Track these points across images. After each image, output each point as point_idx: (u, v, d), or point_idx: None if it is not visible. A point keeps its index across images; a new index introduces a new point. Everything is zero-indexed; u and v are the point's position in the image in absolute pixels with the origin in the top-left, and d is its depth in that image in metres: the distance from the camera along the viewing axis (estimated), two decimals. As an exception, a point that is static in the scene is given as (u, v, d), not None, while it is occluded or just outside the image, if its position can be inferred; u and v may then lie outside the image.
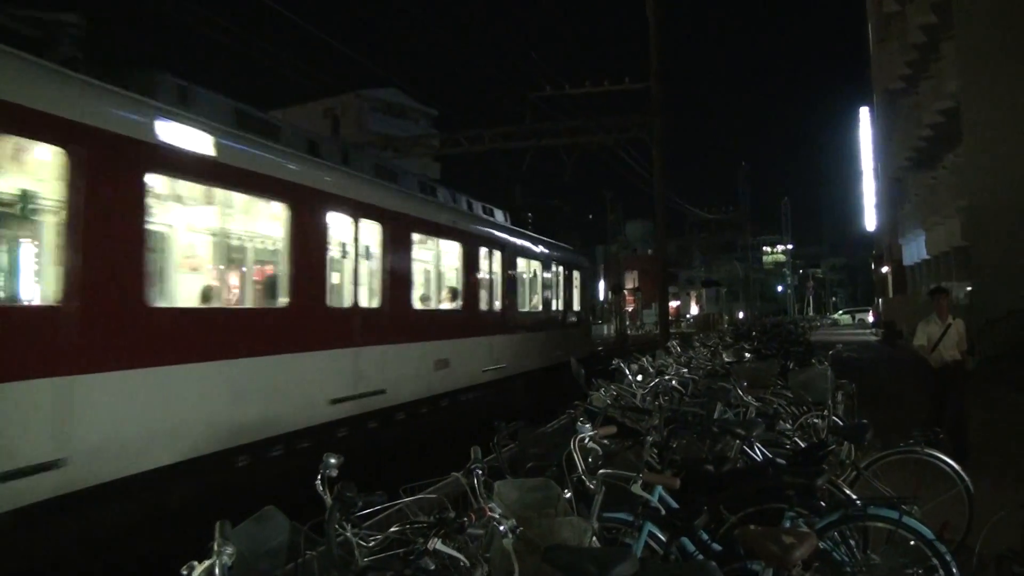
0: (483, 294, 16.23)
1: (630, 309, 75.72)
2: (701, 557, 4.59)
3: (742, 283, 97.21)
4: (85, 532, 6.60)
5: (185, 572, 2.78)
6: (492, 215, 18.50)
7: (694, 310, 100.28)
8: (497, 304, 16.89)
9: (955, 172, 30.77)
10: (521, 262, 18.86)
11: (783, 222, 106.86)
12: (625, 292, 68.28)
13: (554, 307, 22.08)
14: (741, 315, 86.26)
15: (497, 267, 16.90)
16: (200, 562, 2.78)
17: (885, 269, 53.59)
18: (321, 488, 3.55)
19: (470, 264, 15.33)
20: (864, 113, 56.61)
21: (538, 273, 20.56)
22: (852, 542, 5.00)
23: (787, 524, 4.76)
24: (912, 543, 4.72)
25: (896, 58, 37.42)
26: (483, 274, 16.26)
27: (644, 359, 11.69)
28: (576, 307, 24.70)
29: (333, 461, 3.59)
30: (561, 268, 22.60)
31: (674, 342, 17.48)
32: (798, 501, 4.88)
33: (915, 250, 41.09)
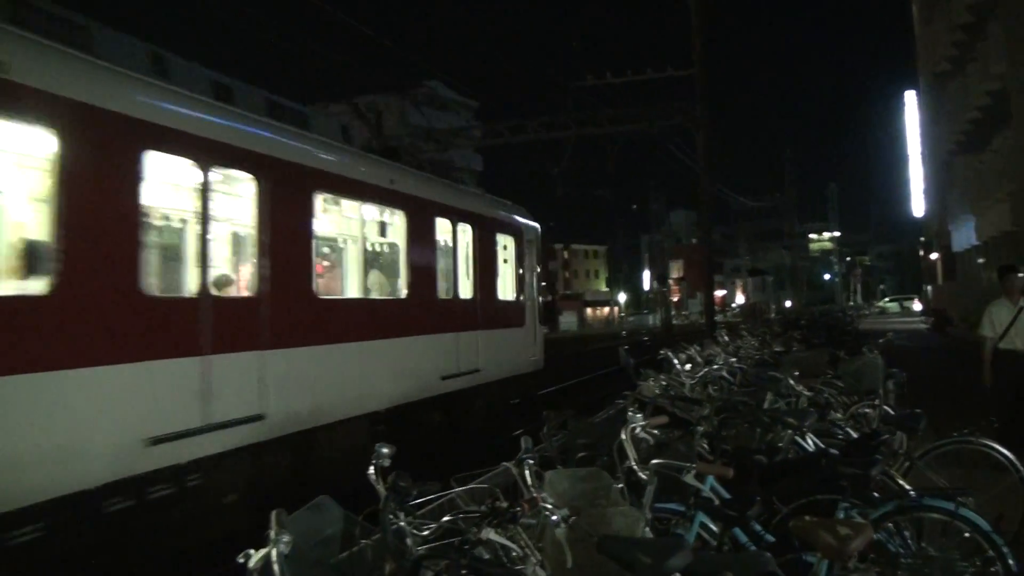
0: (190, 258, 8.51)
1: (675, 299, 75.32)
2: (754, 548, 4.56)
3: (789, 271, 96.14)
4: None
5: (242, 560, 2.82)
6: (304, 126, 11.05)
7: (740, 299, 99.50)
8: (250, 282, 8.97)
9: (1004, 155, 30.11)
10: (342, 209, 11.08)
11: (829, 209, 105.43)
12: (670, 282, 67.90)
13: (446, 293, 13.42)
14: (788, 304, 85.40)
15: (256, 208, 8.83)
16: (256, 550, 2.81)
17: (934, 255, 52.70)
18: (374, 477, 3.58)
19: (112, 190, 7.10)
20: (910, 96, 55.67)
21: (400, 230, 11.90)
22: (906, 533, 4.94)
23: (841, 515, 4.71)
24: (967, 535, 4.65)
25: (942, 39, 36.73)
26: (195, 217, 8.33)
27: (692, 349, 11.62)
28: (509, 295, 16.05)
29: (386, 451, 3.62)
30: (470, 229, 14.19)
31: (722, 331, 17.37)
32: (852, 492, 4.82)
33: (964, 236, 40.28)
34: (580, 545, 3.52)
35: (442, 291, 13.18)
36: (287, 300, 9.13)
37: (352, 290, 11.22)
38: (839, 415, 8.23)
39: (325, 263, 11.00)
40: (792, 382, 8.42)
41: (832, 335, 19.53)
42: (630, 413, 4.87)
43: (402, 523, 3.36)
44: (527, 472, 4.03)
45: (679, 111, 27.56)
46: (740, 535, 4.66)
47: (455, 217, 13.65)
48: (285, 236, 9.20)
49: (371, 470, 3.60)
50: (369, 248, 11.64)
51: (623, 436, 4.60)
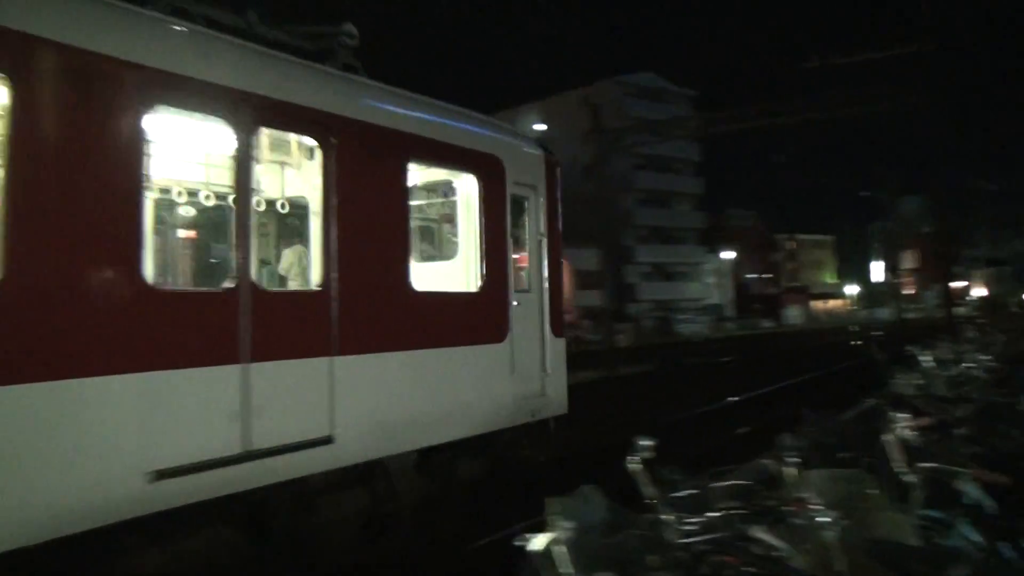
0: None
1: (909, 291, 71.19)
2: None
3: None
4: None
5: (519, 543, 2.98)
6: None
7: (980, 291, 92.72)
8: None
9: None
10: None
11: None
12: (902, 272, 64.24)
13: (195, 278, 7.76)
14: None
15: None
16: (538, 534, 2.96)
17: None
18: (638, 468, 3.65)
19: None
20: None
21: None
22: None
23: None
24: None
25: None
26: None
27: (943, 345, 10.98)
28: (471, 283, 9.12)
29: (647, 443, 3.68)
30: (317, 150, 7.21)
31: (966, 326, 16.35)
32: None
33: None
34: (846, 548, 3.45)
35: (174, 276, 7.18)
36: None
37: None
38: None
39: None
40: (1055, 381, 7.81)
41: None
42: (891, 412, 4.67)
43: (668, 515, 3.42)
44: (789, 470, 3.95)
45: (908, 90, 26.11)
46: (1004, 549, 4.37)
47: (259, 115, 6.63)
48: None
49: (633, 462, 3.67)
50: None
51: (888, 437, 4.42)
